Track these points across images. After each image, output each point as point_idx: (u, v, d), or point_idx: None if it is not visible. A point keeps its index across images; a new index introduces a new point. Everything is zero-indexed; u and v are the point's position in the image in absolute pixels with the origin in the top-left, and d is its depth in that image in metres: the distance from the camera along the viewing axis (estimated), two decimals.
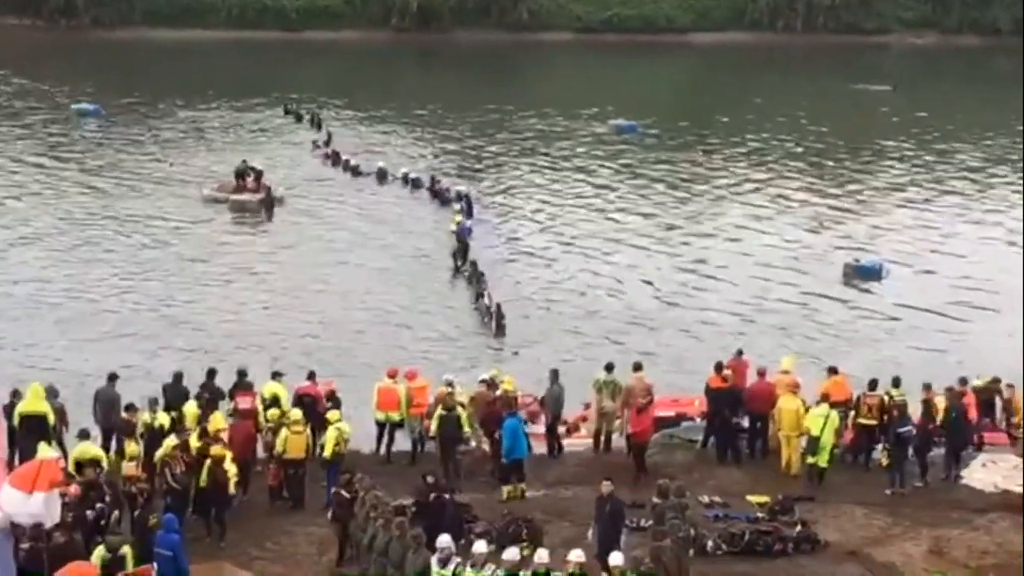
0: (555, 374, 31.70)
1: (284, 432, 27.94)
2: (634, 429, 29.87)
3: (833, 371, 31.45)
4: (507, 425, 29.14)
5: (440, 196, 61.39)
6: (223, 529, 26.47)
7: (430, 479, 26.37)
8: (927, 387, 30.48)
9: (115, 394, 30.10)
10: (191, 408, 29.26)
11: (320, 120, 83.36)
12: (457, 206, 56.26)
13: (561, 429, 32.29)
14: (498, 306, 43.88)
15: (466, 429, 30.06)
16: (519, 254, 53.64)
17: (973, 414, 30.92)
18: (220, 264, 51.15)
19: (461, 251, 50.82)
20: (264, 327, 43.31)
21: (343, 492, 24.88)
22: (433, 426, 30.00)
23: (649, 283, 49.73)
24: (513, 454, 29.09)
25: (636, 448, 29.85)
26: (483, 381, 31.60)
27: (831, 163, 75.69)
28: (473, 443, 31.05)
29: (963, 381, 31.62)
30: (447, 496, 25.97)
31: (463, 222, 52.96)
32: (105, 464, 26.65)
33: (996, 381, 32.51)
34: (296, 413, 28.50)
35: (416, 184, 64.64)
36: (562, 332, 43.88)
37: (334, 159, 71.19)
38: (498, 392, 30.65)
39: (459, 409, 29.89)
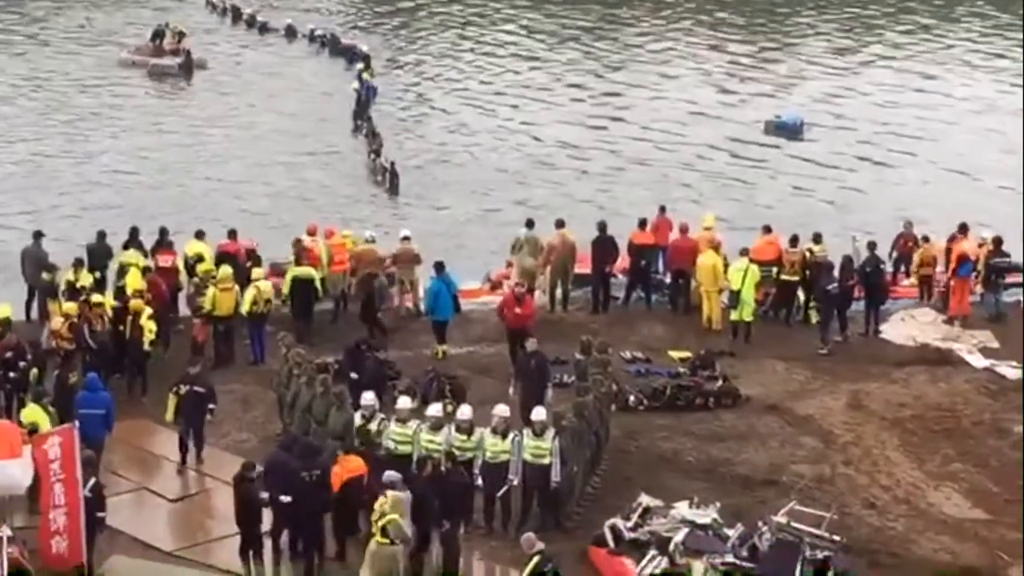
0: (439, 266, 29.69)
1: (212, 290, 27.84)
2: (517, 313, 27.79)
3: (767, 230, 31.38)
4: (430, 286, 29.10)
5: (345, 54, 60.59)
6: (145, 386, 26.38)
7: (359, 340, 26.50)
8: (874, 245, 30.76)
9: (43, 252, 29.96)
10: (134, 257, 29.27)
11: None
12: (361, 64, 55.53)
13: (485, 286, 32.35)
14: (392, 164, 43.65)
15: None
16: (424, 112, 53.05)
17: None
18: (134, 126, 50.30)
19: (361, 109, 50.36)
20: (179, 188, 43.04)
21: (196, 388, 23.96)
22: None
23: (565, 139, 49.23)
24: (433, 315, 29.08)
25: (515, 336, 27.34)
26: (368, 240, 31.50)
27: (751, 17, 75.17)
28: (396, 301, 31.04)
29: (964, 227, 31.65)
30: (371, 353, 25.98)
31: (366, 80, 52.40)
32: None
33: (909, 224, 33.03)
34: (225, 270, 28.32)
35: (323, 42, 63.76)
36: (468, 188, 43.83)
37: (234, 14, 69.48)
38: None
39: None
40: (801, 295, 30.58)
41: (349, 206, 41.27)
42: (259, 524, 20.80)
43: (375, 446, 21.99)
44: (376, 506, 19.82)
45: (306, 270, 29.36)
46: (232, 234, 30.93)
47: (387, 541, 19.47)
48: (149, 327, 26.45)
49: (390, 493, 19.94)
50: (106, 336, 26.22)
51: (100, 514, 20.39)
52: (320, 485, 20.70)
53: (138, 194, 42.09)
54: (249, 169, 45.46)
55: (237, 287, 28.17)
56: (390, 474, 20.57)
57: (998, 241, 30.93)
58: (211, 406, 24.11)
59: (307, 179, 44.51)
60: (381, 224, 36.70)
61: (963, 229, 31.47)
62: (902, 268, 32.53)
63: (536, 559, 18.65)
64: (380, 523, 19.50)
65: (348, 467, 20.99)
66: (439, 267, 29.28)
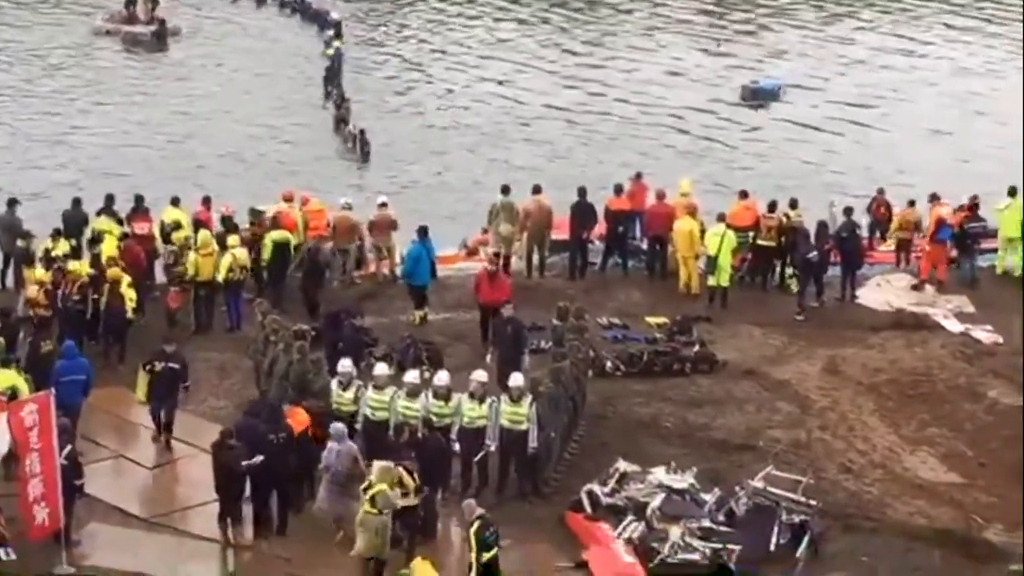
0: (423, 231, 29.57)
1: (193, 255, 27.80)
2: (488, 297, 27.03)
3: (743, 195, 31.34)
4: (411, 250, 29.03)
5: (317, 19, 60.17)
6: (123, 355, 26.31)
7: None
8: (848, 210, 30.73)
9: (16, 220, 29.81)
10: (107, 224, 29.14)
11: None
12: (331, 31, 55.25)
13: (462, 252, 32.33)
14: (361, 132, 43.54)
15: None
16: (398, 80, 52.77)
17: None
18: (105, 93, 49.88)
19: (332, 76, 50.17)
20: (154, 154, 42.84)
21: (172, 365, 23.67)
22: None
23: (549, 103, 49.10)
24: (411, 279, 29.00)
25: (488, 313, 26.87)
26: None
27: None
28: (373, 267, 31.01)
29: (934, 197, 31.41)
30: (348, 320, 25.98)
31: (337, 47, 52.18)
32: None
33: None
34: (206, 236, 28.23)
35: (293, 7, 63.26)
36: (448, 152, 43.77)
37: None
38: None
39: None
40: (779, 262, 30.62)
41: (322, 173, 40.96)
42: (238, 491, 20.83)
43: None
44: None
45: (283, 234, 29.26)
46: (206, 201, 30.82)
47: (375, 511, 19.54)
48: (130, 296, 26.36)
49: (377, 463, 20.05)
50: (72, 301, 26.09)
51: (78, 481, 20.37)
52: (287, 446, 20.87)
53: (113, 161, 41.77)
54: (222, 136, 45.18)
55: (218, 249, 28.10)
56: (336, 426, 20.72)
57: (974, 207, 30.97)
58: (186, 383, 23.98)
59: (281, 146, 44.23)
60: (366, 189, 36.60)
61: (973, 200, 31.29)
62: (877, 233, 32.55)
63: (477, 524, 18.87)
64: (369, 494, 19.55)
65: (297, 419, 21.25)
66: (423, 231, 29.15)
